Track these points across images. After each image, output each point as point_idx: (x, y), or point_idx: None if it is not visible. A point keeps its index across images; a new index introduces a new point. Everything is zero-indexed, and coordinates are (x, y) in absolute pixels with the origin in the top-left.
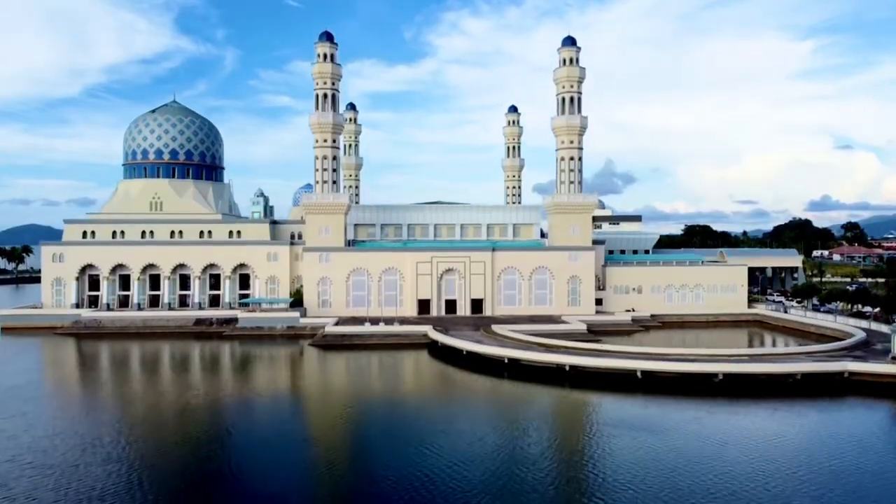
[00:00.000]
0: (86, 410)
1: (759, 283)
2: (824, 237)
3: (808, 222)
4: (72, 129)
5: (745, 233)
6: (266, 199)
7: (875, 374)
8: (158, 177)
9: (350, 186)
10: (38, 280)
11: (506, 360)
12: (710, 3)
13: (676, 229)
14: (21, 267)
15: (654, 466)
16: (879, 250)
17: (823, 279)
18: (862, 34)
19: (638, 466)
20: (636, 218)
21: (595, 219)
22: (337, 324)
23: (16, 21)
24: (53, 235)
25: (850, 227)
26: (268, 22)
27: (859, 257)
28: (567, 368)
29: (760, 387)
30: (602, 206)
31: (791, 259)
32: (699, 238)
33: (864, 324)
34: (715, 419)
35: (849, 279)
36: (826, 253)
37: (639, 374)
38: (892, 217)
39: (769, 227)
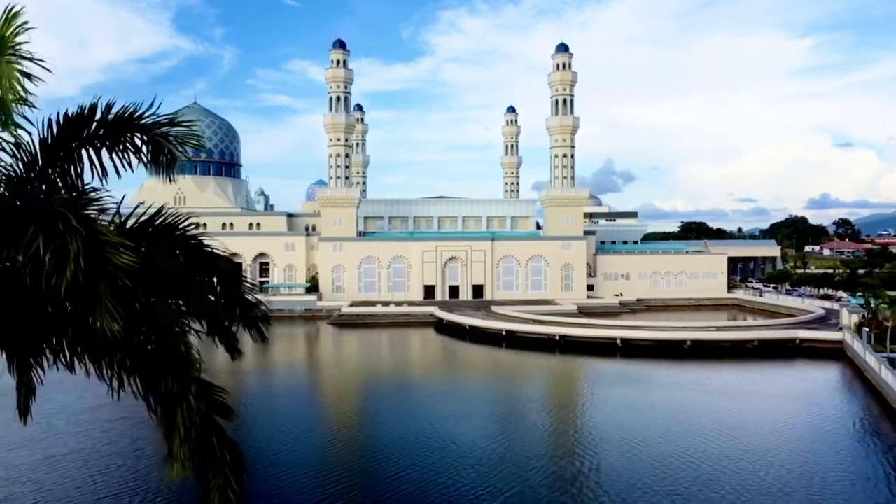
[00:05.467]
0: None
1: (742, 271)
2: (818, 234)
3: (803, 219)
4: None
5: (740, 229)
6: (267, 198)
7: (821, 341)
8: (182, 173)
9: (358, 182)
10: None
11: (504, 333)
12: (707, 0)
13: (676, 227)
14: None
15: (635, 409)
16: (870, 245)
17: (806, 270)
18: (861, 32)
19: (622, 409)
20: (632, 214)
21: (593, 215)
22: (351, 305)
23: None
24: None
25: (842, 223)
26: (266, 21)
27: (848, 252)
28: (557, 338)
29: (723, 352)
30: (599, 202)
31: (770, 249)
32: (695, 235)
33: (827, 304)
34: (685, 375)
35: (831, 270)
36: (817, 248)
37: (619, 341)
38: (891, 214)
39: (768, 224)
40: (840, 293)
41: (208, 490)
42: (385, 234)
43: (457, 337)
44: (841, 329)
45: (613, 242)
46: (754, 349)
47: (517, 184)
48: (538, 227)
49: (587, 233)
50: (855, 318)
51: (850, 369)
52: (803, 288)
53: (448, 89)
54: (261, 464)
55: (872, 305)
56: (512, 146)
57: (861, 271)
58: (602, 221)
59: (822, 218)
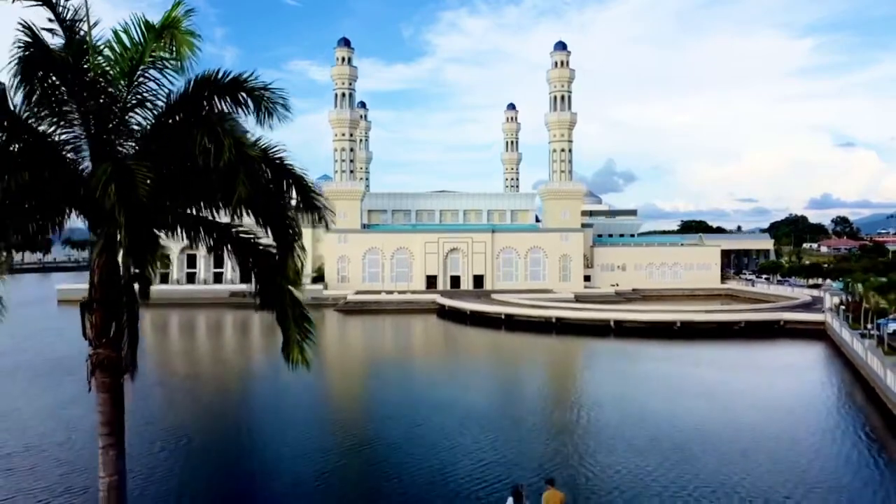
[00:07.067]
0: (176, 356)
1: (737, 264)
2: (817, 232)
3: (803, 218)
4: None
5: (739, 228)
6: None
7: (804, 322)
8: None
9: (361, 178)
10: (61, 269)
11: (503, 317)
12: (708, 1)
13: (676, 226)
14: (48, 258)
15: (627, 376)
16: (867, 243)
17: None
18: (861, 32)
19: (613, 376)
20: (632, 212)
21: (592, 213)
22: (356, 293)
23: (13, 20)
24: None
25: (841, 221)
26: (267, 21)
27: (845, 249)
28: (554, 321)
29: (711, 332)
30: (599, 200)
31: (763, 242)
32: (694, 233)
33: (816, 293)
34: (674, 352)
35: (825, 265)
36: (815, 245)
37: (612, 323)
38: (892, 214)
39: (768, 224)
40: (827, 280)
41: (288, 338)
42: (388, 227)
43: (458, 322)
44: (824, 312)
45: (610, 236)
46: (741, 330)
47: (517, 179)
48: (537, 220)
49: (585, 225)
50: (836, 300)
51: (831, 348)
52: (793, 278)
53: (448, 89)
54: (275, 424)
55: (850, 288)
56: (512, 142)
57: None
58: (602, 219)
59: (822, 218)
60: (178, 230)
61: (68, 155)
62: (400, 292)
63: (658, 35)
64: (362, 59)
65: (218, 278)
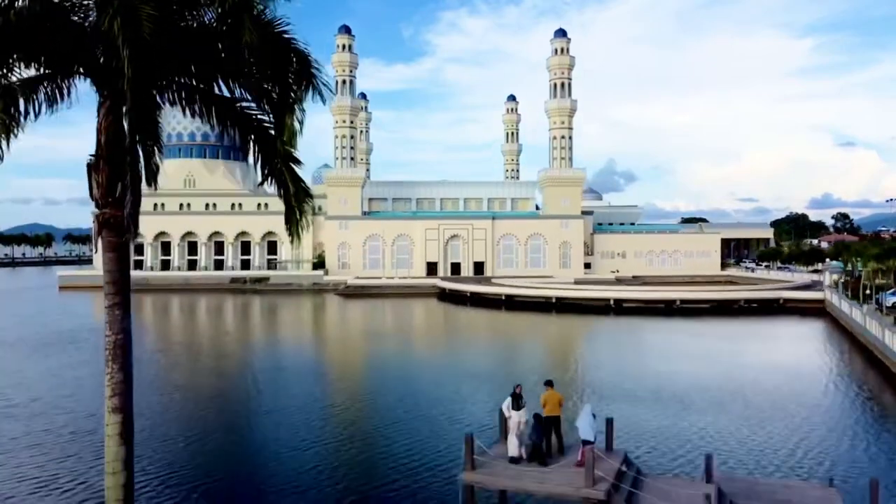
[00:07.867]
0: (171, 336)
1: (738, 253)
2: (817, 229)
3: (804, 216)
4: (75, 128)
5: (739, 223)
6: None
7: (804, 300)
8: (192, 157)
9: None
10: (61, 263)
11: (503, 297)
12: (708, 1)
13: (675, 223)
14: (49, 252)
15: (627, 345)
16: (867, 237)
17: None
18: (861, 32)
19: (613, 344)
20: (632, 208)
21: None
22: (357, 279)
23: None
24: (55, 234)
25: (841, 217)
26: None
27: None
28: (554, 300)
29: (711, 310)
30: (599, 197)
31: (763, 232)
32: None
33: (816, 277)
34: (674, 326)
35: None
36: (816, 241)
37: (612, 302)
38: (893, 214)
39: (768, 222)
40: (827, 260)
41: (290, 212)
42: (389, 214)
43: (458, 303)
44: (823, 290)
45: (610, 224)
46: (741, 308)
47: (517, 171)
48: (537, 209)
49: (585, 213)
50: (835, 277)
51: (831, 324)
52: (793, 264)
53: (448, 89)
54: (276, 385)
55: (849, 266)
56: (512, 133)
57: None
58: (603, 210)
59: (823, 217)
60: (182, 100)
61: (77, 15)
62: (401, 278)
63: (658, 35)
64: (363, 59)
65: (219, 265)
